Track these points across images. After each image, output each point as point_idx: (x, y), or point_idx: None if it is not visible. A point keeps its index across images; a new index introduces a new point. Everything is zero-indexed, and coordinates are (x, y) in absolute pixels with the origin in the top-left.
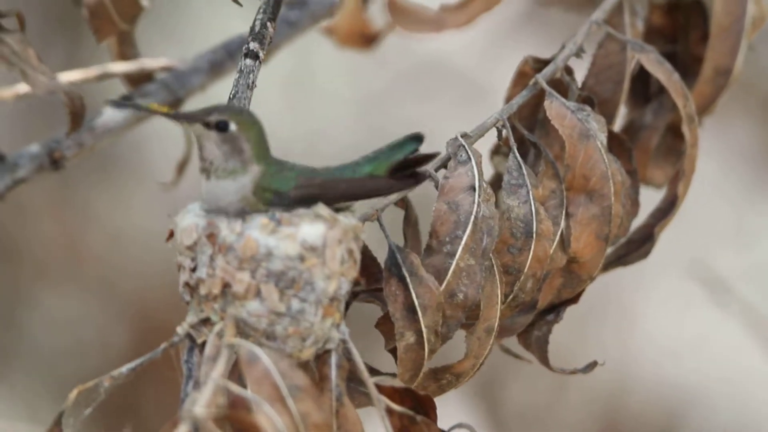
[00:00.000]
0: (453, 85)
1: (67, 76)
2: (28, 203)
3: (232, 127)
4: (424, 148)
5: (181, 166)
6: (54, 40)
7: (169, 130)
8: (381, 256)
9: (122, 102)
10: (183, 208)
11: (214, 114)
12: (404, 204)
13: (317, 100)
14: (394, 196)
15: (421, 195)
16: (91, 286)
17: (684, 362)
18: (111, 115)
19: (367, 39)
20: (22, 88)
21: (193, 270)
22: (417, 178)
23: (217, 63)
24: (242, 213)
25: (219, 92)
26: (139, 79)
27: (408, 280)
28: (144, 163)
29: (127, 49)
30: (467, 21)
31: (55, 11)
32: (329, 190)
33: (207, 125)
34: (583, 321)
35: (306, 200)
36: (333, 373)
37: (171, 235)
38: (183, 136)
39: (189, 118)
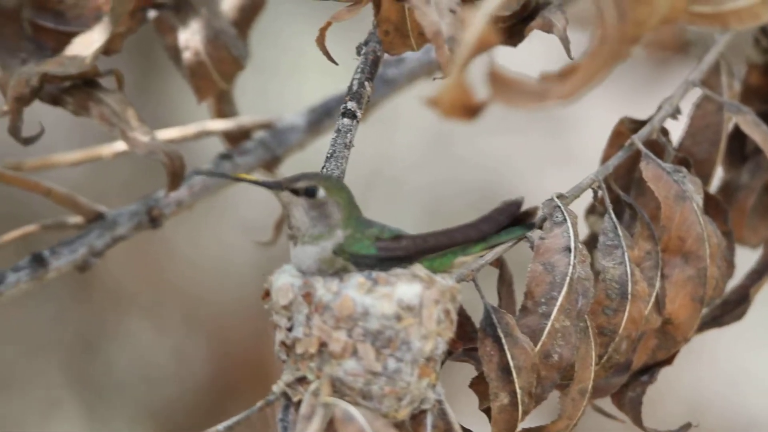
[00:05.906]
0: (536, 120)
1: (166, 134)
2: None
3: (321, 193)
4: (509, 178)
5: (279, 225)
6: (152, 95)
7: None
8: (475, 315)
9: (208, 170)
10: (251, 234)
11: (302, 180)
12: (499, 264)
13: (400, 132)
14: (490, 256)
15: (516, 255)
16: (170, 316)
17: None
18: None
19: (470, 111)
20: (121, 146)
21: (290, 329)
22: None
23: (315, 121)
24: (339, 273)
25: (317, 150)
26: (237, 137)
27: (503, 340)
28: (222, 198)
29: (225, 107)
30: (571, 93)
31: (152, 67)
32: (417, 247)
33: (295, 192)
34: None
35: (393, 260)
36: None
37: (267, 294)
38: None
39: (277, 186)
